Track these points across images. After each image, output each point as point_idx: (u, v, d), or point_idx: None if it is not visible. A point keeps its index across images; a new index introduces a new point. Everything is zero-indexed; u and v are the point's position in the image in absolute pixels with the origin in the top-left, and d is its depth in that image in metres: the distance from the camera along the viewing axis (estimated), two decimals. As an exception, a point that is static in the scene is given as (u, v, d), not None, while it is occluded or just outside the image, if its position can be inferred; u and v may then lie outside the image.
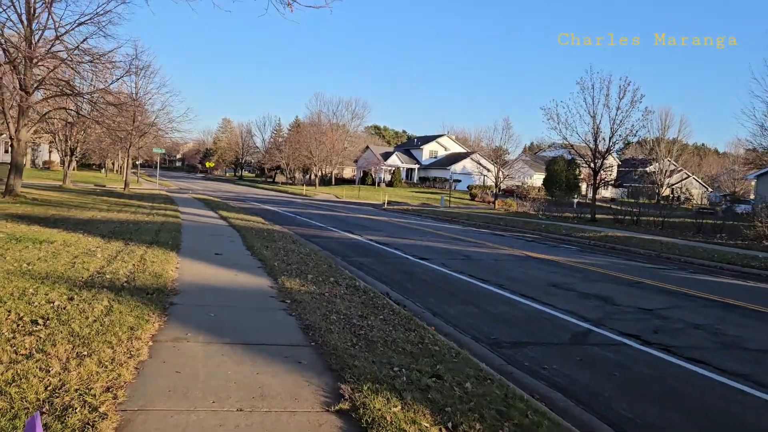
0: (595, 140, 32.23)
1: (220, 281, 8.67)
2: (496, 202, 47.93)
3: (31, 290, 6.71)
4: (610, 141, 32.21)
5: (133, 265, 9.04)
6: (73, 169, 73.15)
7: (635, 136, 31.97)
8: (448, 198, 50.64)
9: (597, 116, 31.99)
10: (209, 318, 6.41)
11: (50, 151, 67.77)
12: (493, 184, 51.20)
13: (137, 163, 76.04)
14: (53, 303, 6.20)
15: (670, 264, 17.71)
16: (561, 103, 32.67)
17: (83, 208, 19.78)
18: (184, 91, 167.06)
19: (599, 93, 31.83)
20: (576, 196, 67.60)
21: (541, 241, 23.32)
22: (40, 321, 5.52)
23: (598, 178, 34.04)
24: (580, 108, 35.54)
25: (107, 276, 7.91)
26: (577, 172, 74.93)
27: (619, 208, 39.72)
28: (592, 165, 33.78)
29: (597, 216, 34.03)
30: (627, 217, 31.83)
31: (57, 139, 34.56)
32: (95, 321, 5.64)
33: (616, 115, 31.49)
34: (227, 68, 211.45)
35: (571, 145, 33.80)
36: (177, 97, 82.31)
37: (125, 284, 7.46)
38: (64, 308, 6.03)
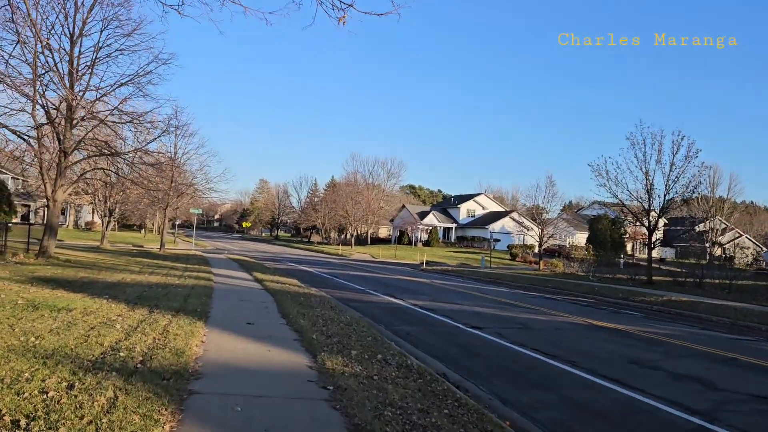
0: (649, 197, 30.51)
1: (250, 359, 7.42)
2: (541, 262, 45.92)
3: (27, 374, 5.58)
4: (665, 198, 30.42)
5: (154, 338, 7.90)
6: (113, 230, 74.35)
7: (693, 192, 30.14)
8: (488, 258, 48.92)
9: (650, 172, 30.39)
10: (234, 414, 5.13)
11: (93, 212, 69.15)
12: (536, 243, 49.24)
13: (175, 223, 76.93)
14: (47, 393, 5.04)
15: (753, 334, 15.73)
16: (610, 159, 31.04)
17: (114, 270, 19.03)
18: (222, 151, 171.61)
19: (651, 148, 30.37)
20: (623, 256, 64.93)
21: (598, 306, 21.47)
22: (23, 421, 4.35)
23: (652, 237, 32.02)
24: (630, 164, 33.79)
25: (121, 354, 6.76)
26: (622, 231, 72.49)
27: (674, 269, 37.38)
28: (646, 224, 31.85)
29: (653, 278, 31.84)
30: (688, 279, 29.59)
31: (96, 200, 34.67)
32: (91, 423, 4.43)
33: (671, 171, 29.86)
34: (265, 127, 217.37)
35: (622, 203, 32.09)
36: (215, 157, 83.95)
37: (139, 365, 6.27)
38: (59, 401, 4.86)
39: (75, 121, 20.90)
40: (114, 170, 23.23)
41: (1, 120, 19.50)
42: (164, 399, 5.15)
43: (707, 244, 75.03)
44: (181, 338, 8.01)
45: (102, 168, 24.34)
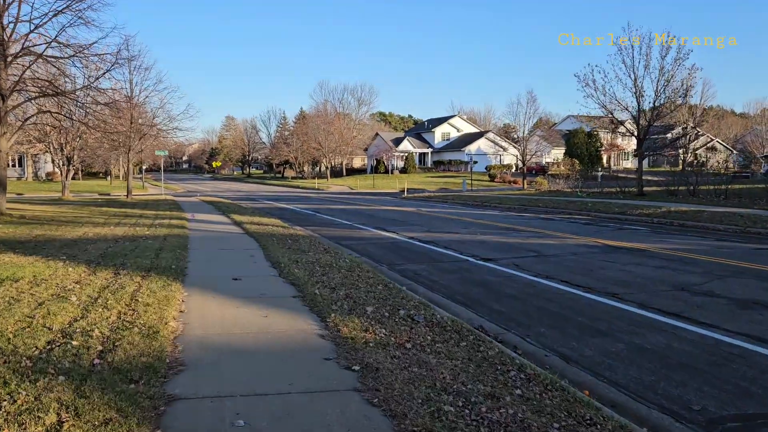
0: (638, 104, 29.05)
1: (245, 332, 5.88)
2: (524, 181, 44.79)
3: (-64, 391, 3.97)
4: (654, 105, 28.99)
5: (119, 313, 6.28)
6: (77, 179, 70.91)
7: (685, 96, 28.73)
8: (469, 181, 47.68)
9: (639, 78, 28.76)
10: None
11: (54, 162, 65.44)
12: (520, 162, 48.02)
13: (142, 168, 73.60)
14: (-42, 426, 3.45)
15: (774, 242, 14.77)
16: (597, 68, 29.29)
17: (76, 224, 17.11)
18: (184, 87, 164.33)
19: (639, 53, 28.60)
20: (599, 169, 64.33)
21: (599, 223, 20.39)
22: None
23: (642, 146, 30.79)
24: (619, 71, 32.02)
25: (74, 342, 5.15)
26: (597, 144, 71.62)
27: (655, 179, 36.57)
28: (635, 133, 30.53)
29: (644, 189, 30.90)
30: (681, 188, 28.68)
31: (51, 148, 31.92)
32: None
33: (660, 75, 28.28)
34: (224, 60, 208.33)
35: (611, 113, 30.60)
36: (176, 93, 78.82)
37: (97, 361, 4.67)
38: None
39: (9, 59, 18.26)
40: (64, 113, 20.74)
41: None
42: (132, 419, 3.60)
43: (681, 151, 74.84)
44: (153, 309, 6.40)
45: (49, 111, 21.75)
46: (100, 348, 5.02)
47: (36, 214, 20.29)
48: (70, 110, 24.55)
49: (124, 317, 6.10)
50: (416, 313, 6.60)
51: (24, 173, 61.62)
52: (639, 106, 29.21)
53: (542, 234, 16.44)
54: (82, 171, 75.71)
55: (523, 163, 46.49)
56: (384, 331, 5.80)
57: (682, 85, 28.02)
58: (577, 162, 48.71)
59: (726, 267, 10.70)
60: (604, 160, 74.99)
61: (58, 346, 5.09)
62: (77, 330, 5.58)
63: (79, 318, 6.06)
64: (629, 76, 29.01)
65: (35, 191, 42.53)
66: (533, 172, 69.18)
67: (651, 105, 28.98)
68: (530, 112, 46.80)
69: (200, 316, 6.45)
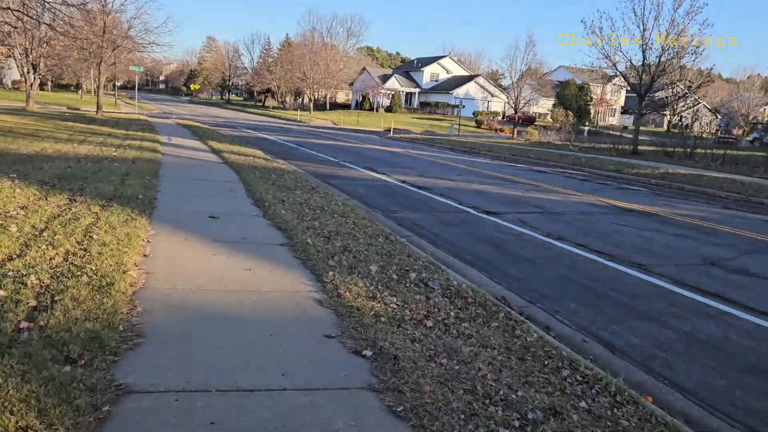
0: (644, 57, 27.69)
1: (224, 290, 4.75)
2: (515, 130, 43.53)
3: None
4: (660, 60, 27.67)
5: (66, 253, 5.08)
6: (47, 90, 67.22)
7: (694, 53, 27.46)
8: (457, 126, 46.25)
9: (648, 31, 27.29)
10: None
11: (19, 70, 61.59)
12: (508, 110, 46.59)
13: (116, 84, 69.99)
14: None
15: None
16: (604, 14, 27.68)
17: (36, 138, 15.50)
18: None
19: (650, 3, 27.02)
20: (587, 123, 63.27)
21: (596, 180, 19.46)
22: None
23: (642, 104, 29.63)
24: (627, 20, 30.38)
25: (0, 293, 3.97)
26: (588, 97, 70.28)
27: (646, 138, 35.69)
28: (637, 88, 29.31)
29: (638, 148, 30.00)
30: (677, 150, 27.79)
31: (15, 53, 29.40)
32: None
33: (670, 27, 26.83)
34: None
35: (614, 65, 29.19)
36: (154, 2, 73.95)
37: (24, 324, 3.51)
38: None
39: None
40: (24, 11, 18.60)
41: None
42: (60, 427, 2.49)
43: (667, 112, 74.02)
44: (110, 252, 5.21)
45: (9, 8, 19.54)
46: (32, 303, 3.85)
47: (-7, 124, 18.49)
48: (36, 11, 22.23)
49: (72, 259, 4.91)
50: (429, 277, 5.54)
51: (-13, 80, 58.01)
52: (645, 59, 27.86)
53: (541, 188, 15.43)
54: (51, 82, 71.79)
55: (515, 110, 45.14)
56: (395, 300, 4.73)
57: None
58: (571, 114, 47.38)
59: (751, 241, 9.85)
60: (592, 115, 73.90)
61: (-21, 297, 3.91)
62: (8, 274, 4.40)
63: (14, 256, 4.86)
64: (638, 27, 27.52)
65: (-2, 99, 39.86)
66: (521, 121, 67.88)
67: (657, 59, 27.61)
68: (528, 57, 44.98)
69: (168, 263, 5.29)
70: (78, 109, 38.20)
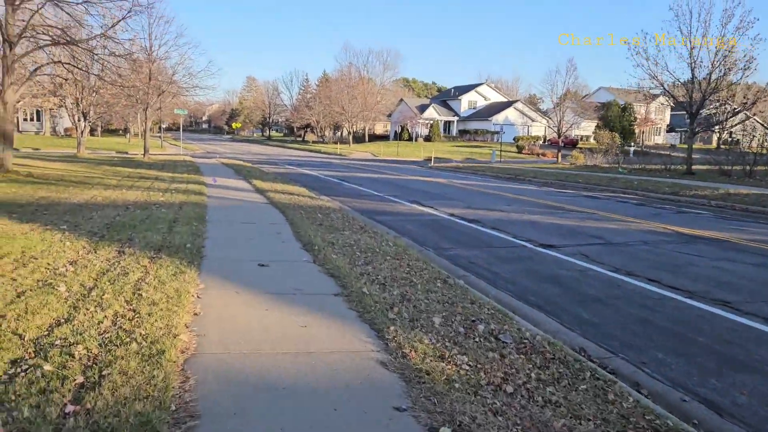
0: (693, 75, 26.74)
1: (280, 353, 4.39)
2: (559, 155, 42.62)
3: None
4: (709, 77, 26.68)
5: (115, 315, 4.84)
6: (96, 135, 69.92)
7: (746, 68, 26.36)
8: (499, 152, 45.67)
9: (696, 48, 26.39)
10: None
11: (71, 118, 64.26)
12: (549, 134, 45.76)
13: (161, 126, 72.31)
14: None
15: None
16: (647, 36, 26.96)
17: (85, 186, 15.77)
18: (205, 44, 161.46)
19: (697, 20, 26.20)
20: (632, 144, 61.65)
21: (652, 204, 18.60)
22: None
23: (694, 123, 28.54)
24: (674, 38, 29.54)
25: (47, 368, 3.70)
26: (632, 118, 68.70)
27: (696, 156, 34.27)
28: (687, 108, 28.31)
29: (692, 167, 28.78)
30: (735, 168, 26.53)
31: (67, 102, 30.57)
32: None
33: (720, 44, 25.90)
34: (247, 19, 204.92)
35: (662, 84, 28.33)
36: (197, 49, 76.55)
37: (71, 408, 3.21)
38: None
39: (17, 2, 16.70)
40: (76, 65, 19.24)
41: None
42: None
43: (717, 129, 71.61)
44: (160, 311, 4.95)
45: (61, 62, 20.25)
46: (79, 380, 3.57)
47: (45, 172, 19.00)
48: (85, 63, 23.01)
49: (120, 322, 4.66)
50: (498, 329, 5.07)
51: (42, 128, 60.73)
52: (694, 77, 26.90)
53: (596, 216, 14.74)
54: (101, 128, 74.69)
55: (559, 135, 44.24)
56: (467, 360, 4.28)
57: (744, 56, 25.65)
58: (618, 136, 46.05)
59: (841, 269, 8.99)
60: (636, 135, 72.13)
61: (25, 371, 3.66)
62: (56, 342, 4.16)
63: (63, 321, 4.64)
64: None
65: (52, 146, 41.51)
66: (563, 145, 66.68)
67: (707, 77, 26.63)
68: (569, 81, 44.29)
69: (219, 322, 4.98)
70: (126, 153, 39.38)
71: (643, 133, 73.49)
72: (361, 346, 4.59)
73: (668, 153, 52.00)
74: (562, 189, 23.54)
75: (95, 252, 7.30)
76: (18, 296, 5.29)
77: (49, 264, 6.55)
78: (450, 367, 4.12)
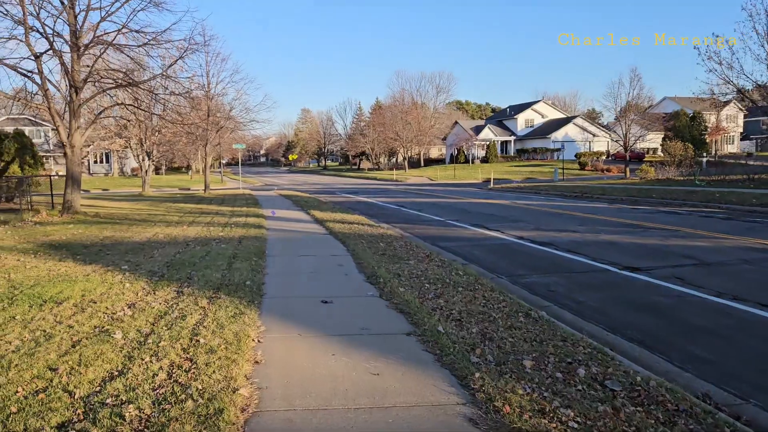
0: (772, 78, 24.99)
1: (352, 408, 3.82)
2: (627, 169, 40.75)
3: None
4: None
5: (171, 366, 4.42)
6: (161, 173, 72.71)
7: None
8: (561, 170, 44.20)
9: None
10: None
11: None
12: (615, 149, 43.99)
13: (221, 162, 74.45)
14: None
15: None
16: (719, 39, 25.33)
17: (148, 223, 15.91)
18: (259, 78, 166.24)
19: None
20: (705, 154, 58.56)
21: (740, 217, 17.13)
22: None
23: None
24: (748, 40, 27.83)
25: (93, 432, 3.28)
26: (702, 127, 65.46)
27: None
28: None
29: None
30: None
31: (131, 143, 31.72)
32: None
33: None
34: (299, 52, 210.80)
35: (739, 90, 26.61)
36: (252, 84, 78.81)
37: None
38: None
39: (81, 49, 17.32)
40: (137, 105, 19.78)
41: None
42: None
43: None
44: (218, 360, 4.50)
45: (123, 104, 20.88)
46: (127, 451, 3.11)
47: (111, 212, 19.43)
48: (147, 103, 23.71)
49: (176, 374, 4.22)
50: (602, 373, 4.34)
51: (110, 169, 63.56)
52: (772, 79, 25.13)
53: (681, 233, 13.58)
54: (165, 166, 77.67)
55: (626, 149, 42.30)
56: (573, 415, 3.58)
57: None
58: (690, 147, 43.69)
59: None
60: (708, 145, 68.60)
61: (68, 440, 3.24)
62: (107, 401, 3.76)
63: (116, 374, 4.25)
64: (762, 46, 24.98)
65: (119, 186, 43.17)
66: (629, 159, 64.14)
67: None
68: (633, 92, 42.56)
69: (283, 371, 4.47)
70: (188, 189, 40.44)
71: (715, 142, 69.85)
72: (444, 397, 3.97)
73: (745, 162, 48.97)
74: (635, 206, 22.17)
75: (154, 293, 7.01)
76: (73, 345, 4.98)
77: (107, 308, 6.28)
78: (554, 425, 3.44)
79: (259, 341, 5.18)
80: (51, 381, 4.16)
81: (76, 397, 3.89)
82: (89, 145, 40.86)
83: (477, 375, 4.22)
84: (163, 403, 3.74)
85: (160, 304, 6.45)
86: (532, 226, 15.66)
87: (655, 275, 8.75)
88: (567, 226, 15.49)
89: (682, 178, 33.03)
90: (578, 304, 7.29)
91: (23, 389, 4.02)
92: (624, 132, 41.91)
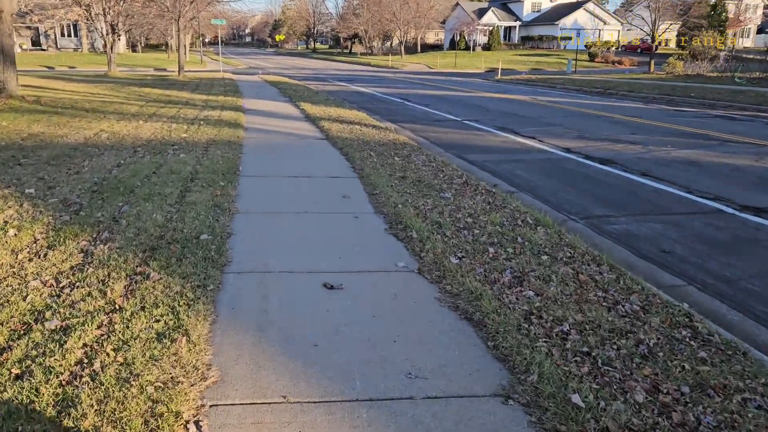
0: None
1: None
2: (652, 63, 36.88)
3: None
4: None
5: None
6: (138, 51, 66.98)
7: None
8: (575, 61, 40.29)
9: None
10: None
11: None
12: (640, 39, 39.80)
13: (203, 41, 68.49)
14: None
15: None
16: None
17: (97, 115, 12.71)
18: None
19: None
20: (723, 48, 54.20)
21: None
22: None
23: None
24: None
25: None
26: (723, 16, 60.42)
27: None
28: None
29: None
30: None
31: (91, 13, 27.27)
32: None
33: None
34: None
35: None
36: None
37: None
38: None
39: None
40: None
41: None
42: None
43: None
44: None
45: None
46: None
47: (59, 96, 16.02)
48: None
49: None
50: None
51: (80, 45, 57.95)
52: None
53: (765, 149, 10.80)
54: (142, 43, 71.41)
55: (653, 38, 38.16)
56: None
57: None
58: (719, 37, 39.46)
59: None
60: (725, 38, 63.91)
61: None
62: None
63: None
64: None
65: (87, 65, 38.65)
66: (639, 50, 59.59)
67: None
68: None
69: None
70: (165, 70, 36.26)
71: (733, 35, 65.05)
72: None
73: (763, 57, 45.06)
74: (677, 107, 19.10)
75: (45, 255, 4.20)
76: None
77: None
78: None
79: (215, 367, 2.45)
80: None
81: None
82: (33, 13, 35.90)
83: None
84: None
85: (43, 285, 3.67)
86: (573, 132, 12.73)
87: (797, 225, 6.07)
88: (617, 134, 12.58)
89: (716, 75, 29.60)
90: (728, 284, 4.63)
91: None
92: (653, 19, 37.55)
